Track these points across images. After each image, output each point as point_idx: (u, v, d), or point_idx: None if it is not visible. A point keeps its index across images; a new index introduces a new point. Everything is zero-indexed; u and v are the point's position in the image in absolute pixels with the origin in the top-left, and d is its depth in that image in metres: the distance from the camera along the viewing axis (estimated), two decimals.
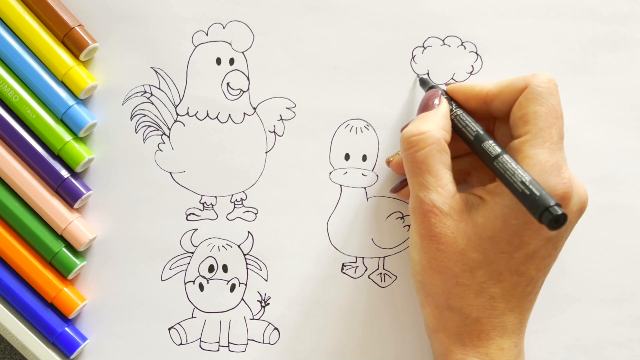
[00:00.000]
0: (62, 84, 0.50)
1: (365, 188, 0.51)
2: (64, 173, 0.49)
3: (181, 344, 0.50)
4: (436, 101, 0.46)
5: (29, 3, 0.50)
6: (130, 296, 0.50)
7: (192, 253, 0.51)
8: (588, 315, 0.50)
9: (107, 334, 0.50)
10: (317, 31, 0.51)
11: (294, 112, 0.51)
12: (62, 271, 0.50)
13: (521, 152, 0.43)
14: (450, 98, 0.47)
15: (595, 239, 0.50)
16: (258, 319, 0.51)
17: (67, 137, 0.49)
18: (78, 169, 0.50)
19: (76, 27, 0.50)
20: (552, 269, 0.45)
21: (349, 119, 0.51)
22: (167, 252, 0.51)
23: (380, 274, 0.51)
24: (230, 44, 0.51)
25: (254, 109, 0.51)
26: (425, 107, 0.46)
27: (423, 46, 0.51)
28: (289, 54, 0.51)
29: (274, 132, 0.51)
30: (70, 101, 0.50)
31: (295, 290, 0.51)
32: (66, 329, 0.49)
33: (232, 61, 0.51)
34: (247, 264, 0.51)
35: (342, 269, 0.51)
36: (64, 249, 0.49)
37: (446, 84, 0.50)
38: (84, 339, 0.50)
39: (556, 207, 0.39)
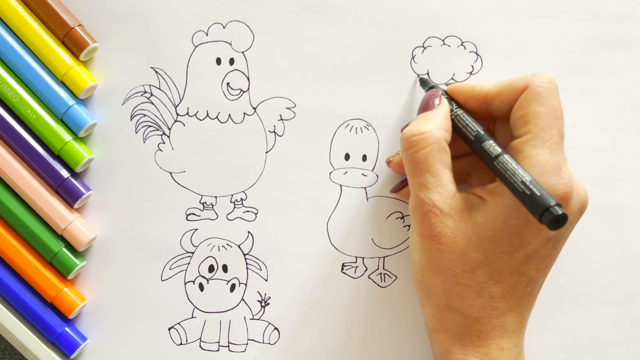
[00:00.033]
0: (62, 84, 0.50)
1: (365, 188, 0.51)
2: (64, 173, 0.49)
3: (181, 344, 0.50)
4: (436, 101, 0.46)
5: (29, 3, 0.50)
6: (130, 296, 0.50)
7: (192, 253, 0.51)
8: (588, 315, 0.50)
9: (107, 334, 0.50)
10: (317, 31, 0.51)
11: (294, 112, 0.51)
12: (62, 271, 0.50)
13: (521, 152, 0.43)
14: (451, 98, 0.47)
15: (595, 239, 0.50)
16: (258, 319, 0.51)
17: (67, 137, 0.49)
18: (78, 169, 0.50)
19: (76, 27, 0.50)
20: (552, 269, 0.45)
21: (349, 119, 0.51)
22: (167, 252, 0.51)
23: (380, 274, 0.51)
24: (230, 44, 0.51)
25: (254, 109, 0.51)
26: (426, 107, 0.46)
27: (423, 46, 0.51)
28: (289, 54, 0.51)
29: (274, 132, 0.51)
30: (70, 101, 0.50)
31: (295, 290, 0.51)
32: (66, 329, 0.49)
33: (232, 61, 0.51)
34: (247, 264, 0.51)
35: (342, 269, 0.51)
36: (64, 249, 0.49)
37: (446, 84, 0.50)
38: (84, 339, 0.50)
39: (556, 207, 0.39)
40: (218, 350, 0.50)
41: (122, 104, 0.51)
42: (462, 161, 0.48)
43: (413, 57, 0.51)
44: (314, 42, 0.51)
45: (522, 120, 0.44)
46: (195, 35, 0.51)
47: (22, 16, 0.49)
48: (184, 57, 0.51)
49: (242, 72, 0.51)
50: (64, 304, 0.49)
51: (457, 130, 0.46)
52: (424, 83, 0.50)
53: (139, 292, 0.50)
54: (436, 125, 0.44)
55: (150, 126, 0.51)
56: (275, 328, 0.50)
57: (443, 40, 0.51)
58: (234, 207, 0.51)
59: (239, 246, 0.51)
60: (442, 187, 0.43)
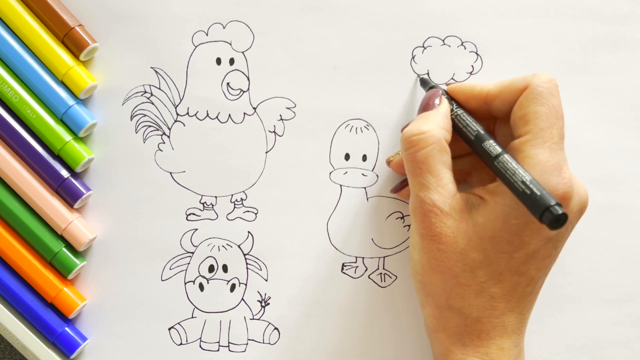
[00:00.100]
0: (62, 84, 0.50)
1: (365, 188, 0.51)
2: (64, 173, 0.49)
3: (181, 344, 0.50)
4: (437, 101, 0.46)
5: (29, 3, 0.50)
6: (130, 296, 0.50)
7: (192, 253, 0.51)
8: (588, 315, 0.50)
9: (107, 334, 0.50)
10: (317, 31, 0.51)
11: (294, 112, 0.51)
12: (62, 271, 0.50)
13: (522, 152, 0.43)
14: (451, 98, 0.47)
15: (595, 239, 0.50)
16: (258, 319, 0.51)
17: (67, 137, 0.49)
18: (78, 169, 0.50)
19: (76, 27, 0.50)
20: (552, 269, 0.45)
21: (349, 119, 0.51)
22: (167, 252, 0.51)
23: (380, 274, 0.51)
24: (230, 44, 0.51)
25: (254, 109, 0.51)
26: (426, 106, 0.46)
27: (423, 46, 0.51)
28: (289, 54, 0.51)
29: (274, 132, 0.51)
30: (70, 101, 0.50)
31: (295, 290, 0.51)
32: (66, 329, 0.49)
33: (232, 61, 0.51)
34: (247, 264, 0.51)
35: (342, 269, 0.51)
36: (64, 249, 0.49)
37: (446, 84, 0.50)
38: (84, 339, 0.50)
39: (557, 207, 0.39)
40: (218, 350, 0.50)
41: (122, 104, 0.51)
42: (462, 161, 0.48)
43: (413, 57, 0.51)
44: (314, 42, 0.51)
45: (522, 120, 0.44)
46: (195, 35, 0.51)
47: (22, 16, 0.49)
48: (184, 57, 0.51)
49: (242, 72, 0.51)
50: (64, 304, 0.49)
51: (458, 130, 0.46)
52: (424, 83, 0.50)
53: (139, 292, 0.50)
54: (436, 125, 0.44)
55: (150, 126, 0.51)
56: (275, 328, 0.50)
57: (443, 40, 0.51)
58: (234, 207, 0.51)
59: (239, 246, 0.51)
60: (442, 187, 0.43)
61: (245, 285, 0.51)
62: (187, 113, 0.51)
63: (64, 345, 0.49)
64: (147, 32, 0.51)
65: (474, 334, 0.44)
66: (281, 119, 0.51)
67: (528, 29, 0.51)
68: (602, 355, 0.50)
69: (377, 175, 0.51)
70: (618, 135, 0.51)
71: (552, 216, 0.38)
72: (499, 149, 0.43)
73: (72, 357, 0.50)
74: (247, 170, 0.51)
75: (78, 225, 0.50)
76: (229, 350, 0.50)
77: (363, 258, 0.51)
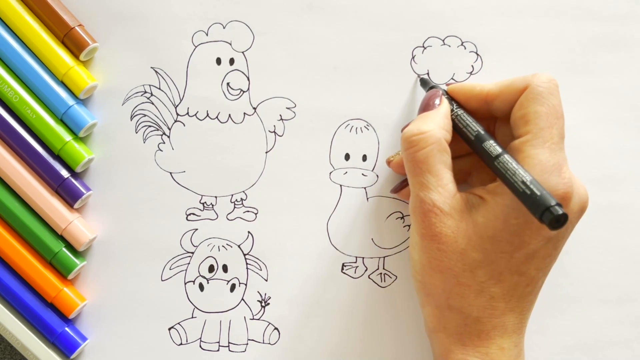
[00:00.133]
0: (62, 84, 0.50)
1: (365, 188, 0.51)
2: (64, 173, 0.49)
3: (181, 344, 0.50)
4: (437, 101, 0.46)
5: (29, 3, 0.50)
6: (130, 296, 0.50)
7: (192, 253, 0.51)
8: (588, 315, 0.50)
9: (107, 334, 0.50)
10: (317, 31, 0.51)
11: (294, 112, 0.51)
12: (62, 271, 0.50)
13: (522, 152, 0.43)
14: (451, 98, 0.47)
15: (595, 239, 0.50)
16: (258, 319, 0.51)
17: (67, 137, 0.49)
18: (78, 169, 0.50)
19: (76, 27, 0.50)
20: (552, 269, 0.45)
21: (349, 119, 0.51)
22: (167, 252, 0.51)
23: (380, 274, 0.51)
24: (230, 44, 0.51)
25: (254, 109, 0.51)
26: (426, 106, 0.46)
27: (423, 46, 0.51)
28: (289, 54, 0.51)
29: (274, 132, 0.51)
30: (70, 101, 0.50)
31: (295, 290, 0.51)
32: (66, 329, 0.49)
33: (232, 61, 0.51)
34: (247, 264, 0.51)
35: (342, 269, 0.51)
36: (64, 249, 0.49)
37: (446, 84, 0.50)
38: (84, 339, 0.50)
39: (557, 207, 0.39)
40: (218, 350, 0.50)
41: (122, 104, 0.51)
42: (462, 161, 0.48)
43: (413, 57, 0.51)
44: (314, 42, 0.51)
45: (522, 120, 0.44)
46: (195, 35, 0.51)
47: (22, 16, 0.49)
48: (184, 57, 0.51)
49: (242, 72, 0.51)
50: (64, 304, 0.49)
51: (458, 130, 0.46)
52: (424, 83, 0.50)
53: (139, 292, 0.50)
54: (437, 125, 0.44)
55: (150, 126, 0.51)
56: (276, 328, 0.50)
57: (443, 40, 0.51)
58: (234, 207, 0.51)
59: (239, 246, 0.51)
60: (442, 186, 0.43)
61: (245, 285, 0.51)
62: (187, 113, 0.51)
63: (64, 345, 0.49)
64: (147, 32, 0.51)
65: (474, 334, 0.44)
66: (281, 119, 0.51)
67: (528, 29, 0.51)
68: (602, 355, 0.50)
69: (377, 175, 0.51)
70: (618, 135, 0.51)
71: (552, 216, 0.38)
72: (499, 149, 0.43)
73: (72, 357, 0.50)
74: (247, 170, 0.51)
75: (78, 225, 0.50)
76: (229, 350, 0.50)
77: (363, 258, 0.51)
